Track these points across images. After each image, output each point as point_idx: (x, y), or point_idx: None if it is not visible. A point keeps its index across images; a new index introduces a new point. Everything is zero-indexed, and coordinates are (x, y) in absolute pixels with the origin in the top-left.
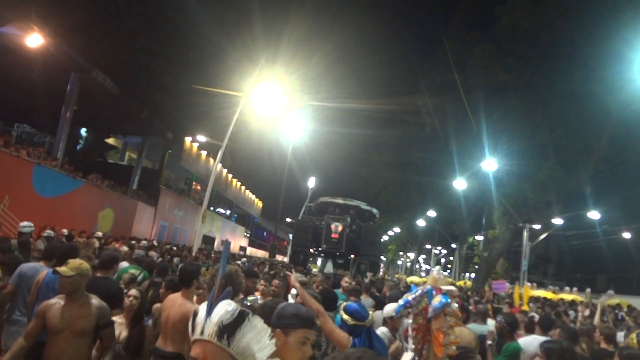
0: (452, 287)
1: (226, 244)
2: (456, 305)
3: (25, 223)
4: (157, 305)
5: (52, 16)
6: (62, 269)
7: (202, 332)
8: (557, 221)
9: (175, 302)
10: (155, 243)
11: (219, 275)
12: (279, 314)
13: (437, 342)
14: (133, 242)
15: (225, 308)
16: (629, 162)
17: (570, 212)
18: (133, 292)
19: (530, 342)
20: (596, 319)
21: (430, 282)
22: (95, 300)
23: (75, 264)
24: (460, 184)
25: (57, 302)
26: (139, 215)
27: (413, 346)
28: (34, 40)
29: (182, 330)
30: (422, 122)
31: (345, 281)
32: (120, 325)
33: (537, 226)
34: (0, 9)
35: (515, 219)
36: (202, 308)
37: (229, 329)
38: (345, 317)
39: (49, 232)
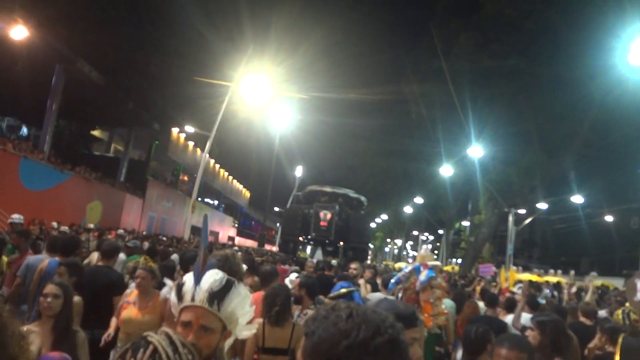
0: (437, 262)
1: (205, 218)
2: (441, 279)
3: (15, 215)
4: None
5: (36, 7)
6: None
7: (192, 299)
8: (542, 206)
9: None
10: (145, 234)
11: (201, 247)
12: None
13: (426, 313)
14: (120, 231)
15: (214, 277)
16: (612, 147)
17: (554, 196)
18: (140, 272)
19: (514, 320)
20: (588, 297)
21: (418, 259)
22: None
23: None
24: (446, 170)
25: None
26: (127, 206)
27: None
28: (18, 32)
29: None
30: (408, 110)
31: (353, 268)
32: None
33: (522, 211)
34: None
35: (501, 204)
36: (187, 278)
37: (219, 295)
38: None
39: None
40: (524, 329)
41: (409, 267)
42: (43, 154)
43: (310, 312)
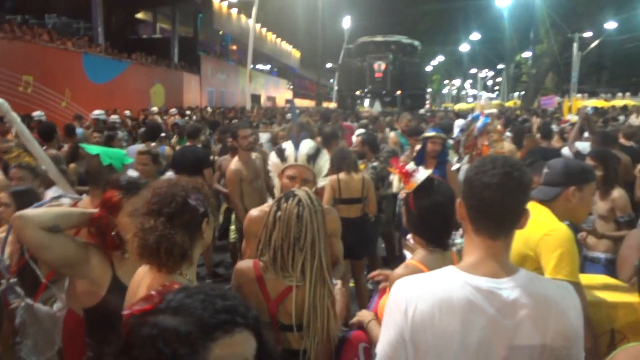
0: (494, 110)
1: (292, 103)
2: (498, 124)
3: (97, 111)
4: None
5: None
6: None
7: (295, 160)
8: (610, 25)
9: None
10: (209, 109)
11: (294, 123)
12: (567, 171)
13: (484, 154)
14: (188, 112)
15: (309, 144)
16: None
17: (624, 13)
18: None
19: (569, 144)
20: (634, 118)
21: (477, 108)
22: None
23: None
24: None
25: None
26: (186, 85)
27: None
28: None
29: None
30: None
31: (405, 124)
32: None
33: (588, 34)
34: None
35: (564, 29)
36: (287, 145)
37: (313, 157)
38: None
39: (98, 112)
40: (577, 154)
41: (470, 116)
42: (100, 47)
43: (374, 164)
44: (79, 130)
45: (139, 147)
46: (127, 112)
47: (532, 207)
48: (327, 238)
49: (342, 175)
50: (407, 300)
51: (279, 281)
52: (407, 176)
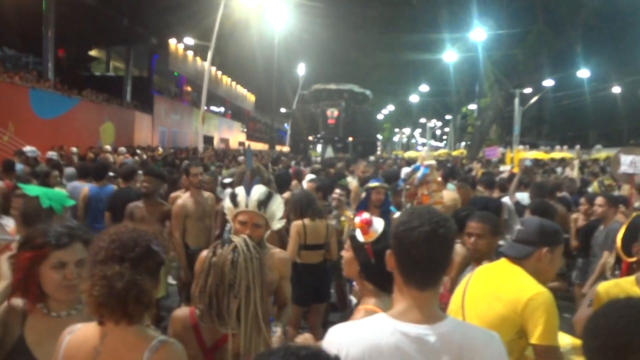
0: (432, 161)
1: (248, 148)
2: (437, 175)
3: (28, 148)
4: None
5: None
6: None
7: (246, 205)
8: (548, 83)
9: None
10: (160, 149)
11: (247, 168)
12: (542, 232)
13: (424, 203)
14: (138, 151)
15: (260, 190)
16: (620, 14)
17: (560, 72)
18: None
19: (509, 195)
20: (574, 172)
21: (419, 160)
22: None
23: None
24: (450, 55)
25: None
26: (138, 124)
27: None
28: None
29: None
30: None
31: (362, 170)
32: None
33: (528, 90)
34: None
35: (506, 85)
36: (239, 191)
37: (264, 202)
38: None
39: (51, 153)
40: (517, 204)
41: (411, 168)
42: (49, 82)
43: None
44: (19, 167)
45: (86, 186)
46: (74, 149)
47: (505, 265)
48: (266, 286)
49: (307, 221)
50: (339, 345)
51: (214, 329)
52: (368, 226)
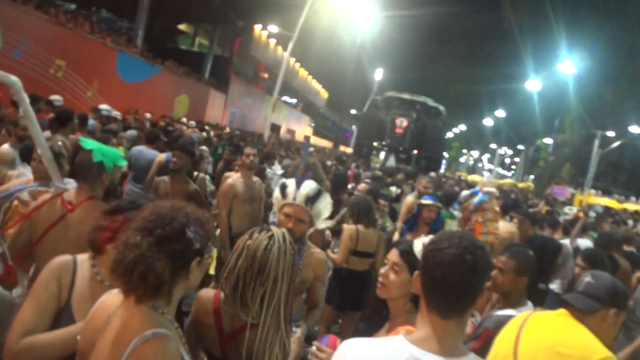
0: (493, 189)
1: (307, 140)
2: (496, 204)
3: (103, 106)
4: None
5: None
6: None
7: (294, 199)
8: (634, 129)
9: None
10: (228, 129)
11: (302, 163)
12: (615, 291)
13: (476, 231)
14: (207, 127)
15: (310, 185)
16: None
17: None
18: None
19: (571, 239)
20: None
21: (478, 185)
22: None
23: None
24: (534, 84)
25: None
26: (212, 101)
27: None
28: None
29: None
30: (501, 15)
31: (424, 185)
32: None
33: (611, 133)
34: None
35: (589, 124)
36: (290, 183)
37: (312, 198)
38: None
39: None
40: (577, 249)
41: (471, 191)
42: (137, 48)
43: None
44: (91, 122)
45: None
46: (148, 115)
47: (566, 319)
48: (295, 285)
49: (360, 227)
50: (350, 358)
51: (235, 317)
52: None
